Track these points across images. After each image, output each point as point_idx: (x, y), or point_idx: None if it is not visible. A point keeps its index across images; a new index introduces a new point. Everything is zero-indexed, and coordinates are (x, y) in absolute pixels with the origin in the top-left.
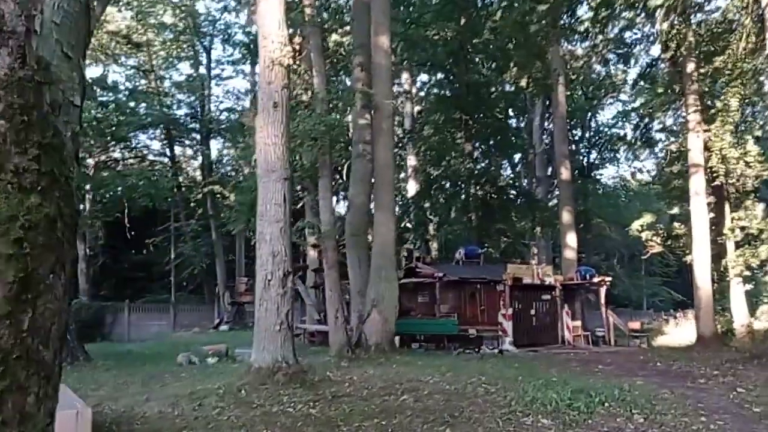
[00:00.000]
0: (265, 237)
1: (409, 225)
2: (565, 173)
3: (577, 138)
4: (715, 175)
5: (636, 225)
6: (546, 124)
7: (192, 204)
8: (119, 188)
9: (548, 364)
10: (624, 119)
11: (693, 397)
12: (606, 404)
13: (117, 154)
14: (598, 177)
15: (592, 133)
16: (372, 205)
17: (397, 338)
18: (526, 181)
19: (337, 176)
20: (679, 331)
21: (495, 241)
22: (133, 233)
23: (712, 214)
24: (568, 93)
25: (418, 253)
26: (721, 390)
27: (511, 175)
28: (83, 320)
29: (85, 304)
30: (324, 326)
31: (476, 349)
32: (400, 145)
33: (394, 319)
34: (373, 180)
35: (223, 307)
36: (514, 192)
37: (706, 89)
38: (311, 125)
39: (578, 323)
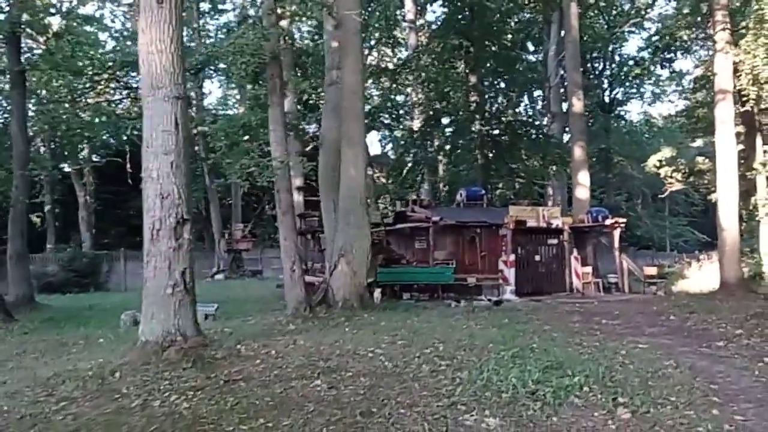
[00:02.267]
0: (152, 173)
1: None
2: (577, 105)
3: (598, 71)
4: (744, 99)
5: (653, 160)
6: (562, 55)
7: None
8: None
9: (545, 318)
10: (647, 46)
11: (705, 372)
12: (585, 388)
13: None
14: (621, 113)
15: (615, 67)
16: None
17: (377, 291)
18: (546, 118)
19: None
20: (703, 275)
21: (508, 182)
22: (135, 178)
23: (740, 146)
24: (588, 21)
25: (416, 195)
26: (743, 359)
27: (527, 111)
28: (77, 270)
29: (80, 253)
30: (308, 277)
31: (472, 300)
32: (401, 77)
33: (364, 271)
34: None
35: (219, 255)
36: (523, 128)
37: (738, 3)
38: (250, 39)
39: (588, 269)
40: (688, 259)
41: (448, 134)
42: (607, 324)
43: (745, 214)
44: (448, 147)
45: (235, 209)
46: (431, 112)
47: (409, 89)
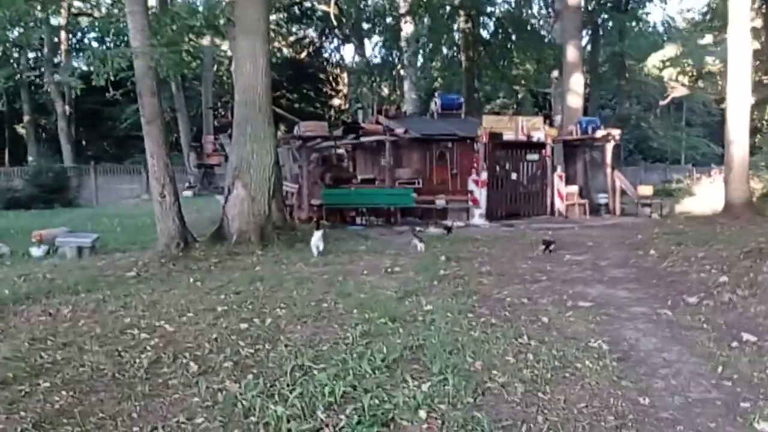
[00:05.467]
0: None
1: (402, 72)
2: None
3: None
4: None
5: (654, 60)
6: None
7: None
8: None
9: (497, 252)
10: None
11: (644, 365)
12: (420, 414)
13: None
14: (638, 14)
15: None
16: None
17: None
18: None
19: None
20: (713, 192)
21: (509, 90)
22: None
23: (756, 45)
24: None
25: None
26: (712, 334)
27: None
28: (42, 184)
29: (46, 168)
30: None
31: (427, 227)
32: None
33: (267, 197)
34: None
35: (189, 170)
36: (514, 26)
37: None
38: None
39: (574, 189)
40: (698, 174)
41: (425, 33)
42: (566, 262)
43: (764, 125)
44: (428, 48)
45: (206, 120)
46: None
47: None
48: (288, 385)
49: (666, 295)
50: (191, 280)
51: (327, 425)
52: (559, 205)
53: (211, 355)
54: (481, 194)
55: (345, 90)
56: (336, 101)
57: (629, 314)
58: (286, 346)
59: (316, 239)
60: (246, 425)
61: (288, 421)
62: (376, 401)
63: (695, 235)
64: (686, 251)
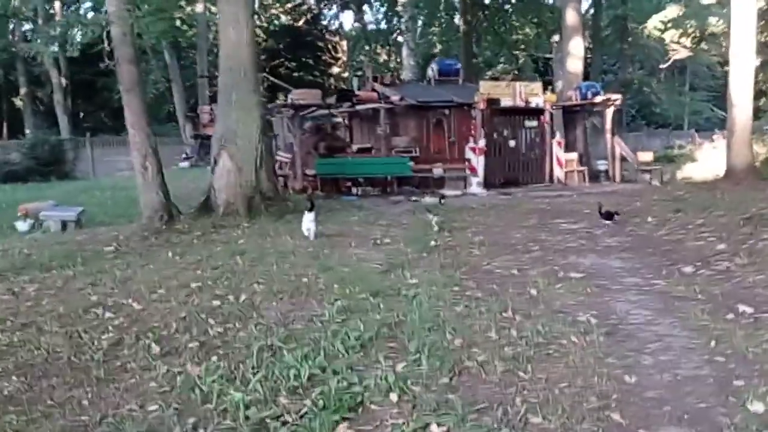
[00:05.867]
0: None
1: (400, 38)
2: None
3: None
4: None
5: (655, 21)
6: None
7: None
8: None
9: (492, 221)
10: None
11: (633, 341)
12: (393, 395)
13: None
14: None
15: None
16: None
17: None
18: None
19: None
20: (713, 158)
21: (509, 55)
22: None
23: (762, 3)
24: None
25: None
26: (707, 306)
27: None
28: (38, 157)
29: (42, 140)
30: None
31: (423, 196)
32: None
33: (254, 167)
34: None
35: (185, 141)
36: None
37: None
38: None
39: (573, 156)
40: (700, 140)
41: None
42: (561, 230)
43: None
44: (426, 13)
45: (201, 90)
46: None
47: None
48: (252, 368)
49: (660, 265)
50: (170, 254)
51: (289, 411)
52: (558, 172)
53: (176, 336)
54: (478, 162)
55: (344, 57)
56: (335, 69)
57: (621, 285)
58: (257, 325)
59: (308, 222)
60: (202, 412)
61: (247, 408)
62: (345, 384)
63: (694, 201)
64: (684, 218)
